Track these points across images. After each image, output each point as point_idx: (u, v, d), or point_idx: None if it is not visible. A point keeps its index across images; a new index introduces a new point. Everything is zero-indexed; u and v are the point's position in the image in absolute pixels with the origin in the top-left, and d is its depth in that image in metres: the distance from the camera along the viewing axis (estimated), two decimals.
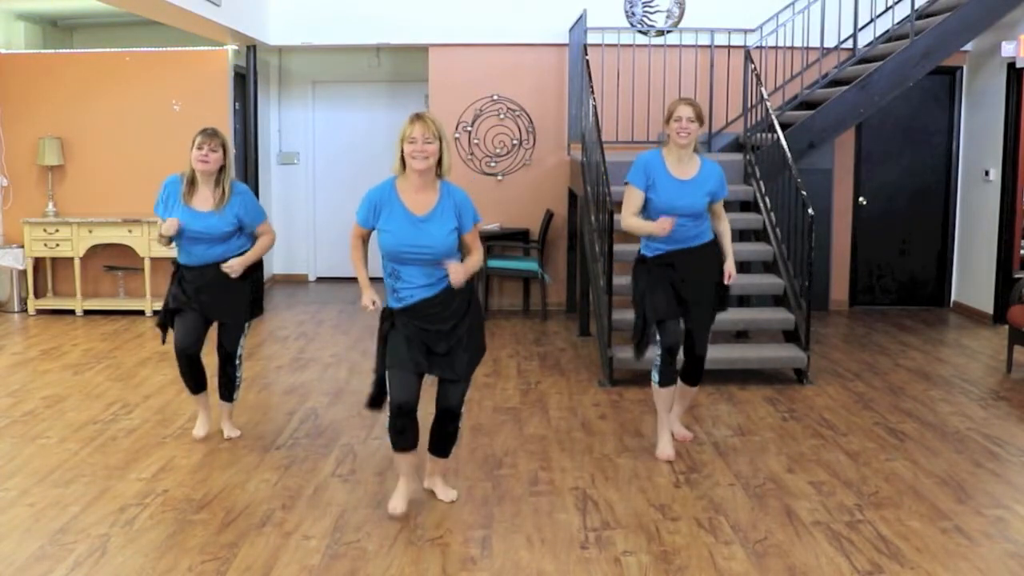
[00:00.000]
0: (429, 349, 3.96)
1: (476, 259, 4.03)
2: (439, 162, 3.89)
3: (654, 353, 4.90)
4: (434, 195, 3.93)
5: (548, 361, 6.91)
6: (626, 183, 4.77)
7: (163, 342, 4.97)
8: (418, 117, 3.84)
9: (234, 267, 4.71)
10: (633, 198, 4.74)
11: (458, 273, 3.87)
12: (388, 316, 3.98)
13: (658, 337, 4.84)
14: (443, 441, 4.16)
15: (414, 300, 3.91)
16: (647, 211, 4.78)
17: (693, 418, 5.46)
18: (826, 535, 3.84)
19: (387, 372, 3.95)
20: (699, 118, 4.71)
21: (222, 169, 4.73)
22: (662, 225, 4.60)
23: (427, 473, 4.32)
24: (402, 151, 3.85)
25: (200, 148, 4.66)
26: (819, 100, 7.84)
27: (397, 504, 4.07)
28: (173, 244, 4.79)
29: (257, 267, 4.96)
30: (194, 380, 4.97)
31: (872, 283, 9.14)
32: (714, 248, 4.86)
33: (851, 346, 7.43)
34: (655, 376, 4.85)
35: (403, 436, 3.96)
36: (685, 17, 8.58)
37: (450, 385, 4.05)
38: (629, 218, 4.75)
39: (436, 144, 3.85)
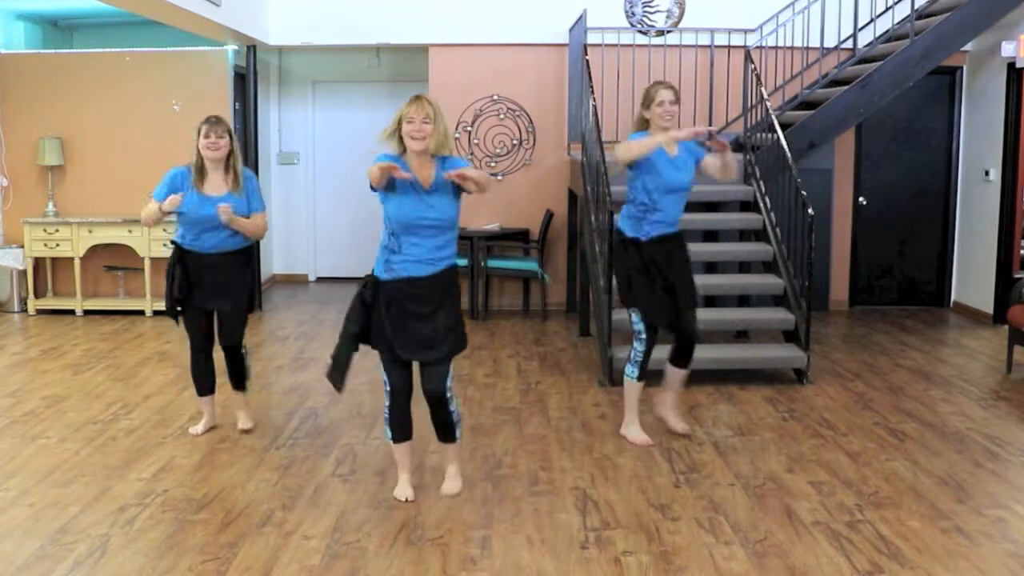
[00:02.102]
0: (409, 333, 4.04)
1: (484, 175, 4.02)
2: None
3: (633, 348, 5.00)
4: (432, 169, 4.01)
5: (548, 361, 6.91)
6: (622, 143, 4.80)
7: (177, 323, 5.02)
8: (416, 98, 3.98)
9: (229, 212, 4.71)
10: (626, 142, 4.80)
11: (468, 175, 3.85)
12: (373, 284, 4.06)
13: (642, 334, 4.95)
14: (441, 427, 4.25)
15: (405, 275, 3.99)
16: (645, 192, 4.83)
17: (693, 418, 5.46)
18: (826, 535, 3.84)
19: (381, 360, 4.12)
20: (678, 100, 4.83)
21: (230, 155, 4.87)
22: (693, 130, 4.60)
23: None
24: (399, 130, 3.96)
25: (208, 136, 4.79)
26: (819, 100, 7.84)
27: (404, 491, 4.24)
28: (172, 218, 4.87)
29: (252, 261, 5.10)
30: (208, 379, 5.10)
31: (872, 283, 9.14)
32: (683, 240, 5.03)
33: (851, 346, 7.43)
34: (634, 372, 5.00)
35: (400, 424, 4.20)
36: (685, 17, 8.58)
37: (431, 369, 4.11)
38: (624, 144, 4.74)
39: (432, 125, 3.96)
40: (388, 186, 3.94)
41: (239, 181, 4.88)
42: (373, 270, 4.09)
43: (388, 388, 4.16)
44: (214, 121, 4.83)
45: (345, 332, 4.16)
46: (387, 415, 4.21)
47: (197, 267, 4.87)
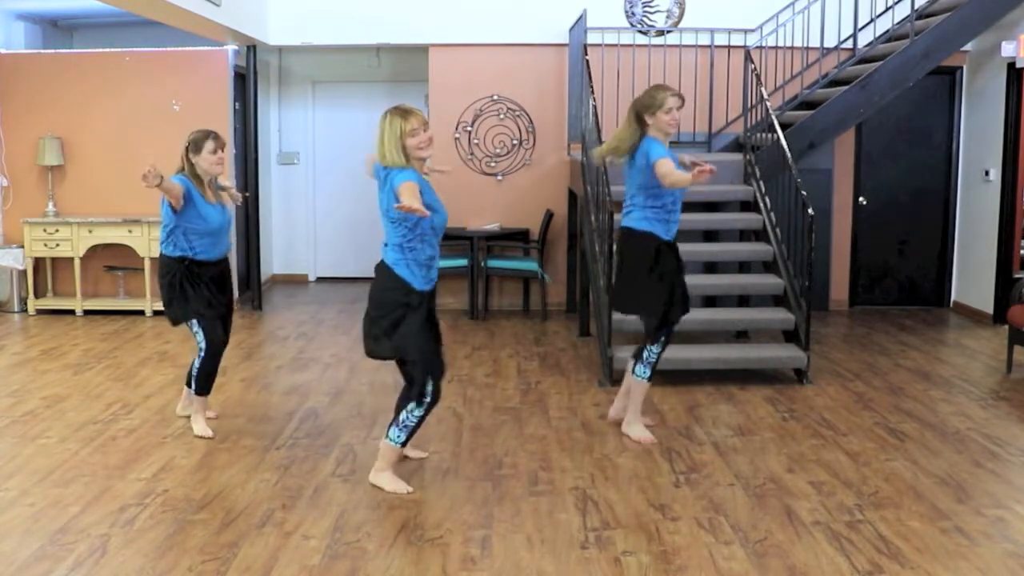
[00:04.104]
0: (437, 334, 4.35)
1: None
2: None
3: (651, 349, 5.03)
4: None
5: (548, 361, 6.91)
6: (660, 158, 4.70)
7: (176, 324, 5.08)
8: (409, 111, 4.04)
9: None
10: (670, 162, 4.74)
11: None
12: (422, 299, 4.18)
13: (663, 336, 5.01)
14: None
15: (435, 279, 4.25)
16: (671, 194, 4.87)
17: (693, 418, 5.46)
18: (826, 535, 3.84)
19: (431, 360, 4.22)
20: (684, 104, 4.89)
21: None
22: (708, 168, 4.59)
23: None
24: (403, 146, 4.01)
25: (215, 152, 4.87)
26: (819, 100, 7.84)
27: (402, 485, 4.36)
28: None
29: None
30: (213, 381, 5.18)
31: (872, 283, 9.14)
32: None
33: (851, 346, 7.43)
34: (647, 372, 5.06)
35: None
36: (685, 17, 8.58)
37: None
38: (672, 173, 4.66)
39: (430, 132, 4.12)
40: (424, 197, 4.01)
41: (215, 191, 5.03)
42: (413, 286, 4.11)
43: (429, 398, 4.21)
44: (218, 136, 4.92)
45: (427, 357, 4.22)
46: (418, 422, 4.27)
47: (213, 276, 5.00)
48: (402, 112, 4.02)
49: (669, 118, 4.79)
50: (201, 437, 5.04)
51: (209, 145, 4.83)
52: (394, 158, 4.00)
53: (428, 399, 4.20)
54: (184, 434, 5.12)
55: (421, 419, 4.25)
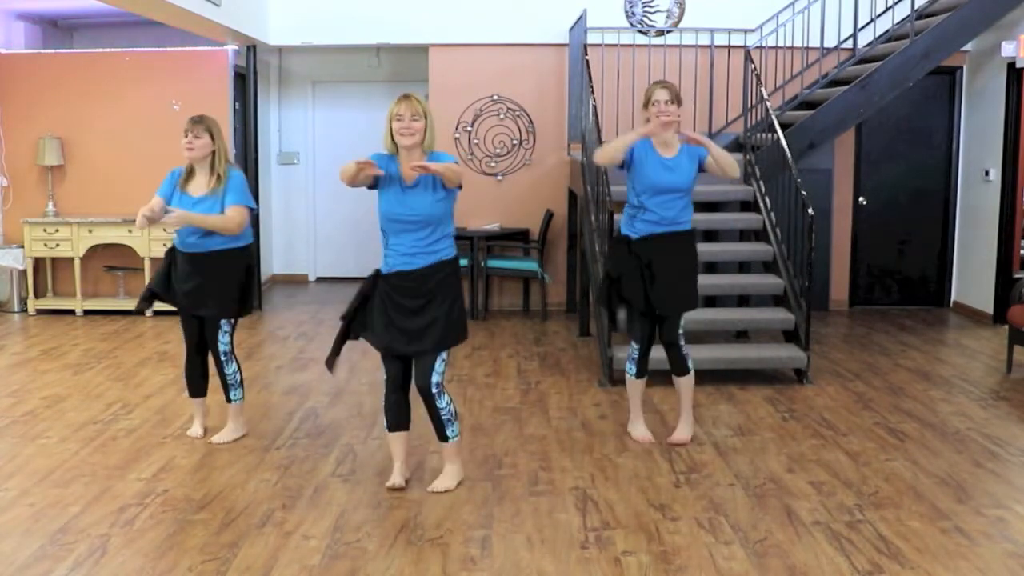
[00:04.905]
0: (396, 327, 4.15)
1: (453, 167, 4.07)
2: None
3: (631, 345, 5.07)
4: None
5: (548, 361, 6.91)
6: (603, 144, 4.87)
7: (141, 312, 4.94)
8: (405, 97, 4.10)
9: (181, 217, 4.60)
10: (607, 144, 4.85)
11: (429, 166, 3.95)
12: (374, 277, 4.22)
13: (636, 332, 5.01)
14: (433, 423, 4.33)
15: (395, 269, 4.14)
16: (634, 192, 4.90)
17: (693, 418, 5.45)
18: (826, 535, 3.84)
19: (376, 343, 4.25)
20: (677, 99, 4.82)
21: (215, 155, 4.76)
22: (656, 123, 4.64)
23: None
24: (391, 129, 4.09)
25: (185, 136, 4.75)
26: (819, 100, 7.84)
27: (393, 479, 4.35)
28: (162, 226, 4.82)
29: (246, 263, 4.91)
30: (198, 381, 5.02)
31: (872, 283, 9.14)
32: (690, 238, 4.97)
33: (851, 346, 7.43)
34: (632, 369, 5.07)
35: (394, 412, 4.30)
36: (685, 17, 8.59)
37: (419, 362, 4.22)
38: (604, 147, 4.81)
39: (422, 122, 4.08)
40: (374, 183, 4.09)
41: (218, 183, 4.73)
42: (380, 266, 4.26)
43: (384, 377, 4.30)
44: (194, 120, 4.76)
45: (346, 321, 4.32)
46: (383, 403, 4.36)
47: (182, 267, 4.79)
48: (399, 97, 4.11)
49: (656, 110, 4.74)
50: (192, 437, 5.05)
51: (184, 129, 4.76)
52: (384, 141, 4.14)
53: (383, 377, 4.31)
54: (184, 434, 5.11)
55: (383, 396, 4.35)
